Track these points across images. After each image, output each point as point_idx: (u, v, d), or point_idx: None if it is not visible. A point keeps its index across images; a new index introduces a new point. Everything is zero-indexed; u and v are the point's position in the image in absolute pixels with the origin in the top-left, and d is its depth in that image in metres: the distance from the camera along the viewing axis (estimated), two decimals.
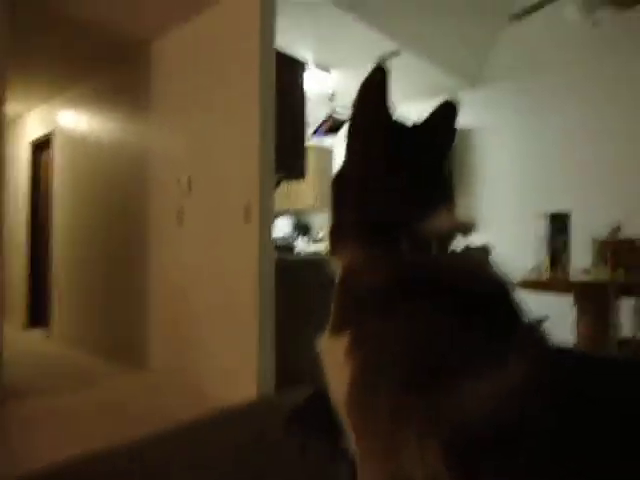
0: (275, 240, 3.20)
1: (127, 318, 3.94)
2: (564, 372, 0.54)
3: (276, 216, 3.01)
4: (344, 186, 0.71)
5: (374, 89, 0.74)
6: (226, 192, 3.07)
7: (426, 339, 0.54)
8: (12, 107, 5.36)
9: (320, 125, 2.99)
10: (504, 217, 4.54)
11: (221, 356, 3.06)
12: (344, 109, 2.97)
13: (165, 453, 1.17)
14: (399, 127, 0.75)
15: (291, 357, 2.99)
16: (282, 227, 6.23)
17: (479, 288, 0.59)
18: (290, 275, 3.01)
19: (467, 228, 0.68)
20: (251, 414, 1.39)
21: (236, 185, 2.99)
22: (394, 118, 0.75)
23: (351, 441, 0.59)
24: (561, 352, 0.60)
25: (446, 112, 0.81)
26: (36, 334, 5.11)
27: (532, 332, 0.60)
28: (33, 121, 5.59)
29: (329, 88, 4.70)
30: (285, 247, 3.41)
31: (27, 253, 5.44)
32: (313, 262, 3.03)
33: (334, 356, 0.60)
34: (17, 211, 5.45)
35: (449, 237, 0.66)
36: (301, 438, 1.10)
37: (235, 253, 2.98)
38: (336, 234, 0.70)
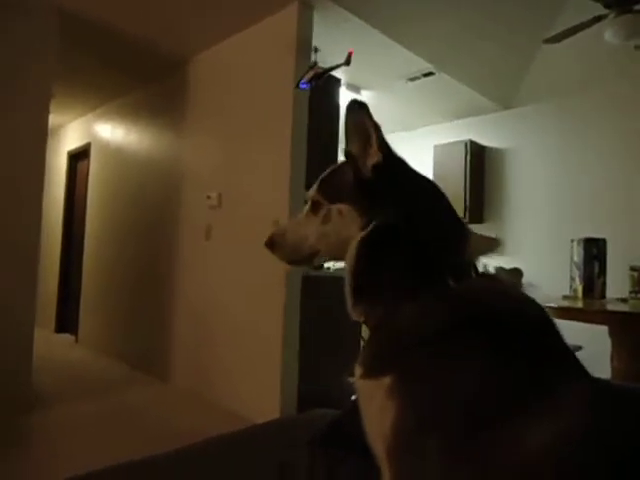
0: None
1: (151, 330, 3.98)
2: (619, 410, 0.51)
3: None
4: (381, 248, 0.69)
5: (367, 124, 0.72)
6: (256, 209, 3.09)
7: (479, 383, 0.53)
8: (53, 118, 5.56)
9: (304, 74, 3.00)
10: (536, 241, 4.44)
11: (244, 374, 3.05)
12: (326, 62, 3.01)
13: (189, 468, 1.16)
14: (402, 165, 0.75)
15: (315, 376, 2.96)
16: None
17: (527, 319, 0.58)
18: (318, 291, 2.99)
19: (495, 244, 0.69)
20: (274, 433, 1.37)
21: (266, 202, 3.01)
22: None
23: None
24: (613, 389, 0.57)
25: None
26: (65, 339, 5.22)
27: (579, 365, 0.58)
28: (72, 132, 5.79)
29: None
30: None
31: (60, 260, 5.59)
32: (342, 278, 3.01)
33: (373, 398, 0.59)
34: (53, 219, 5.61)
35: (486, 255, 0.67)
36: (327, 461, 1.07)
37: (262, 270, 2.98)
38: (365, 290, 0.69)
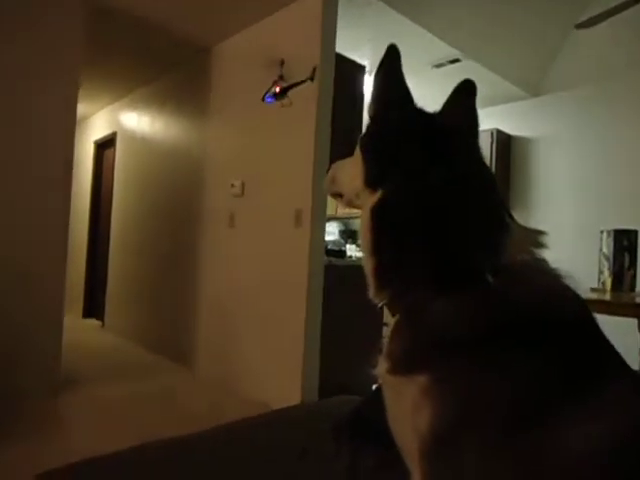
0: (327, 244, 3.20)
1: (175, 317, 4.04)
2: None
3: (326, 221, 3.01)
4: (395, 218, 0.62)
5: (395, 78, 0.68)
6: (279, 197, 3.10)
7: (520, 385, 0.51)
8: (80, 108, 5.65)
9: (270, 88, 3.06)
10: (564, 232, 4.34)
11: (266, 362, 3.08)
12: (290, 76, 3.07)
13: (211, 450, 1.18)
14: (430, 122, 0.68)
15: (336, 364, 2.97)
16: (330, 232, 6.24)
17: (569, 319, 0.55)
18: (341, 279, 3.00)
19: (541, 238, 0.64)
20: (296, 418, 1.38)
21: (289, 190, 3.01)
22: (416, 107, 0.69)
23: None
24: None
25: (465, 91, 0.75)
26: (91, 323, 5.36)
27: (622, 363, 0.55)
28: (98, 122, 5.89)
29: None
30: (336, 252, 3.40)
31: (87, 247, 5.72)
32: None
33: (404, 395, 0.57)
34: (81, 207, 5.73)
35: (529, 253, 0.61)
36: (350, 446, 1.08)
37: (285, 257, 3.00)
38: (390, 273, 0.63)
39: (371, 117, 0.70)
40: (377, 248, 0.64)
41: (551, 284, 0.59)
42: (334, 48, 2.97)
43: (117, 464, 1.10)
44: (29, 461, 2.02)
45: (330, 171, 0.83)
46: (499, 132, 4.69)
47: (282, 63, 3.11)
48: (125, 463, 1.09)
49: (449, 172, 0.62)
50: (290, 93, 3.04)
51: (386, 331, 0.65)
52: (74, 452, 2.19)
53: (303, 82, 2.94)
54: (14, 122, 2.85)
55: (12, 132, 2.84)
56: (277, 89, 3.02)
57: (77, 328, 4.95)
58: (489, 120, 4.84)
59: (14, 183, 2.83)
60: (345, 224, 6.55)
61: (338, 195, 0.81)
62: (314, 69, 2.88)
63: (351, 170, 0.72)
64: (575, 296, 0.58)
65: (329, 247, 3.36)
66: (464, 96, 0.74)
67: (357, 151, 0.72)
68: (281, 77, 3.06)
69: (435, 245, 0.59)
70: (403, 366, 0.58)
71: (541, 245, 0.62)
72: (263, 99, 3.10)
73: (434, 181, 0.61)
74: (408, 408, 0.55)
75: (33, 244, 2.89)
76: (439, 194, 0.61)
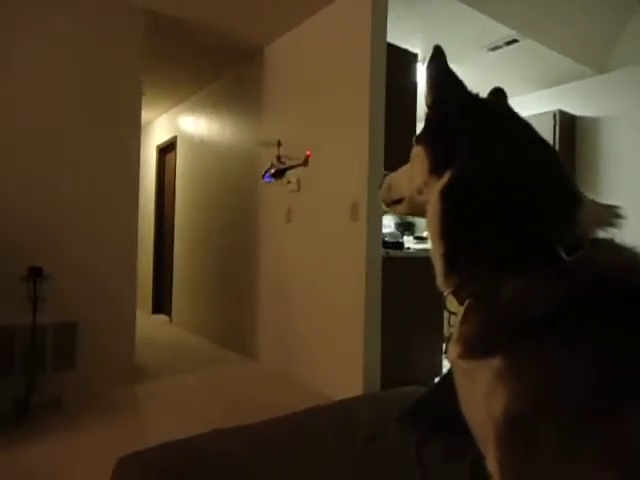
0: (384, 236, 3.19)
1: (238, 310, 4.17)
2: None
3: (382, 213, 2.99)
4: (465, 196, 0.61)
5: (445, 69, 0.69)
6: (335, 191, 3.12)
7: (603, 363, 0.49)
8: (143, 115, 5.93)
9: (269, 168, 3.37)
10: (635, 215, 4.07)
11: (327, 354, 3.12)
12: (287, 157, 3.33)
13: (277, 440, 1.22)
14: (487, 105, 0.69)
15: (396, 356, 2.96)
16: (386, 225, 6.19)
17: None
18: (399, 271, 2.98)
19: (616, 214, 0.61)
20: (360, 408, 1.40)
21: (345, 184, 3.02)
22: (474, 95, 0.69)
23: (495, 473, 0.54)
24: None
25: (497, 96, 0.75)
26: (160, 319, 5.64)
27: None
28: (159, 127, 6.16)
29: None
30: (394, 243, 3.38)
31: (153, 246, 6.01)
32: (424, 259, 2.97)
33: (477, 379, 0.56)
34: (146, 210, 6.02)
35: (605, 227, 0.58)
36: (417, 436, 1.08)
37: (342, 250, 3.01)
38: (460, 256, 0.62)
39: (429, 105, 0.71)
40: (447, 231, 0.63)
41: (629, 260, 0.56)
42: (385, 39, 2.93)
43: (191, 448, 1.16)
44: (110, 445, 2.17)
45: (385, 181, 0.85)
46: (562, 113, 4.45)
47: (279, 144, 3.36)
48: (198, 447, 1.15)
49: (515, 147, 0.61)
50: (343, 87, 3.04)
51: (452, 319, 0.65)
52: (151, 436, 2.33)
53: (299, 165, 3.17)
54: (88, 133, 3.05)
55: (86, 142, 3.04)
56: (275, 169, 3.28)
57: (147, 323, 5.22)
58: (551, 101, 4.61)
59: (87, 189, 3.03)
60: (401, 217, 6.49)
61: (396, 202, 0.82)
62: (307, 155, 3.10)
63: (409, 171, 0.74)
64: None
65: (386, 239, 3.34)
66: (498, 99, 0.75)
67: (413, 153, 0.73)
68: (278, 158, 3.33)
69: (506, 222, 0.58)
70: (476, 350, 0.57)
71: (618, 218, 0.59)
72: (262, 177, 3.39)
73: (501, 156, 0.60)
74: (482, 393, 0.55)
75: (105, 246, 3.08)
76: (507, 169, 0.60)
